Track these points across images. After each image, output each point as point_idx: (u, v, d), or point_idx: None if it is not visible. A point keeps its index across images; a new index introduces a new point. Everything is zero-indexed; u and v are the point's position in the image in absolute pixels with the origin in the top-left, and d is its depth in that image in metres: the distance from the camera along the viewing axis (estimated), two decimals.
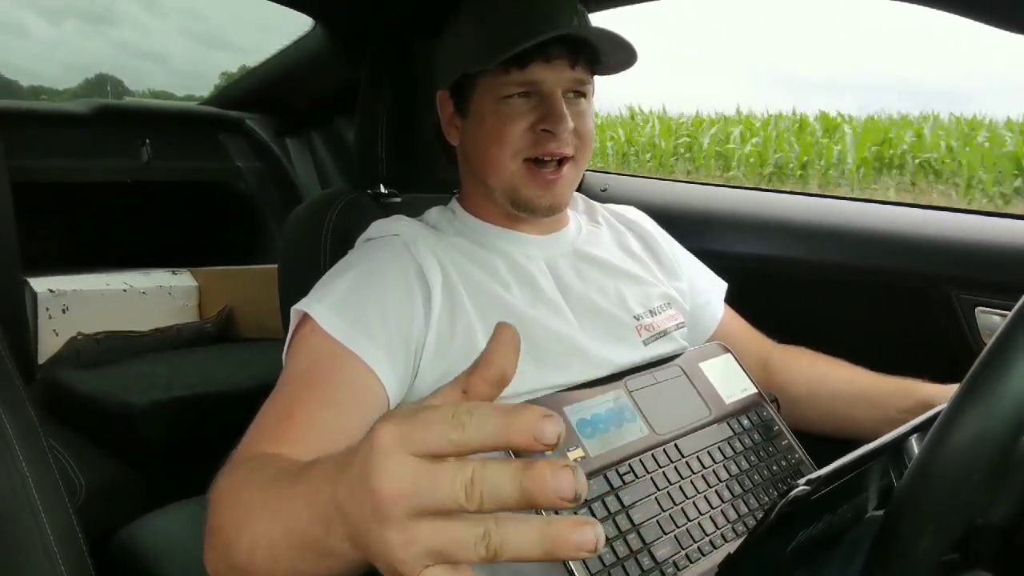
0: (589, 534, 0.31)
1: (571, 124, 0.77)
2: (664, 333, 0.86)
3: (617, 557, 0.61)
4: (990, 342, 0.46)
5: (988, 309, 1.04)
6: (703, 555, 0.66)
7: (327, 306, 0.71)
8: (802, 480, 0.45)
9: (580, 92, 0.80)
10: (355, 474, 0.35)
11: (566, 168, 0.80)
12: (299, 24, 1.54)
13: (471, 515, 0.32)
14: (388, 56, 0.97)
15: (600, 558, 0.60)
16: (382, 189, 1.01)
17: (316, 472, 0.42)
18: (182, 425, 1.28)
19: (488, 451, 0.33)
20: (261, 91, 1.78)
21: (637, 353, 0.82)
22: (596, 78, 0.83)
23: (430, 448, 0.33)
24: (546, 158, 0.78)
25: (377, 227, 0.83)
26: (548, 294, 0.81)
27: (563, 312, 0.80)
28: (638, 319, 0.85)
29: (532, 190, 0.80)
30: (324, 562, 0.41)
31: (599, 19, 0.85)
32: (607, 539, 0.61)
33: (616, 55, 0.79)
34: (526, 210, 0.81)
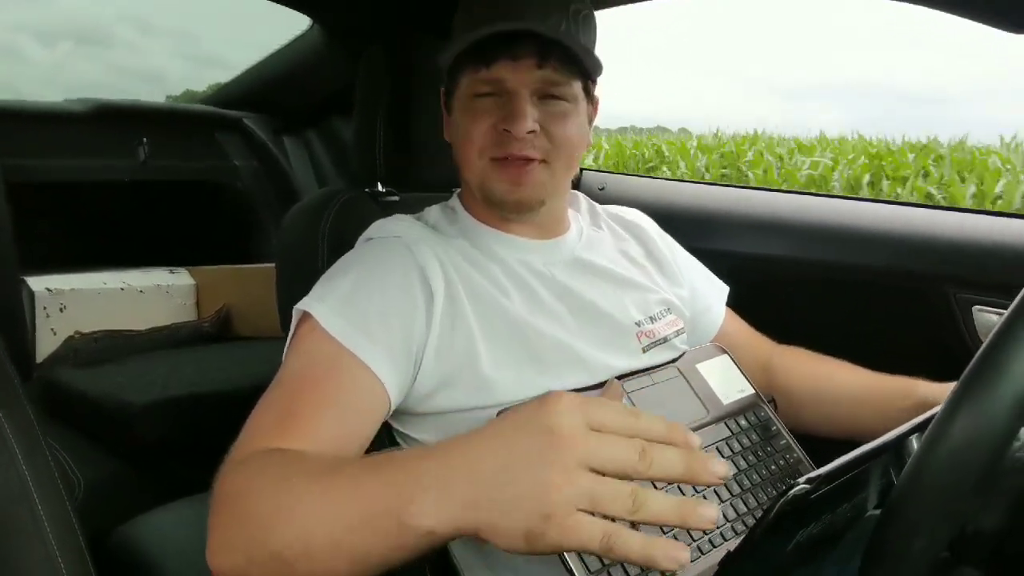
0: (713, 511, 0.40)
1: (531, 125, 0.75)
2: (664, 340, 0.86)
3: None
4: (984, 343, 0.47)
5: (985, 308, 1.05)
6: (702, 554, 0.66)
7: (329, 306, 0.70)
8: (802, 479, 0.45)
9: (555, 95, 0.77)
10: (528, 422, 0.42)
11: (536, 167, 0.78)
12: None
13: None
14: (385, 54, 0.97)
15: (599, 557, 0.60)
16: (379, 188, 1.01)
17: (406, 453, 0.48)
18: (179, 424, 1.28)
19: (648, 438, 0.42)
20: (259, 90, 1.78)
21: (636, 360, 0.82)
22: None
23: (604, 419, 0.41)
24: (509, 159, 0.77)
25: (378, 227, 0.83)
26: (547, 301, 0.80)
27: (563, 319, 0.80)
28: (639, 325, 0.85)
29: (500, 184, 0.78)
30: (399, 540, 0.46)
31: (603, 18, 0.83)
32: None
33: (588, 60, 0.77)
34: (496, 206, 0.81)
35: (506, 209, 0.81)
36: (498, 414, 0.66)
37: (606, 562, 0.60)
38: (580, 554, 0.59)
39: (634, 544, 0.40)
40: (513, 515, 0.41)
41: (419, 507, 0.44)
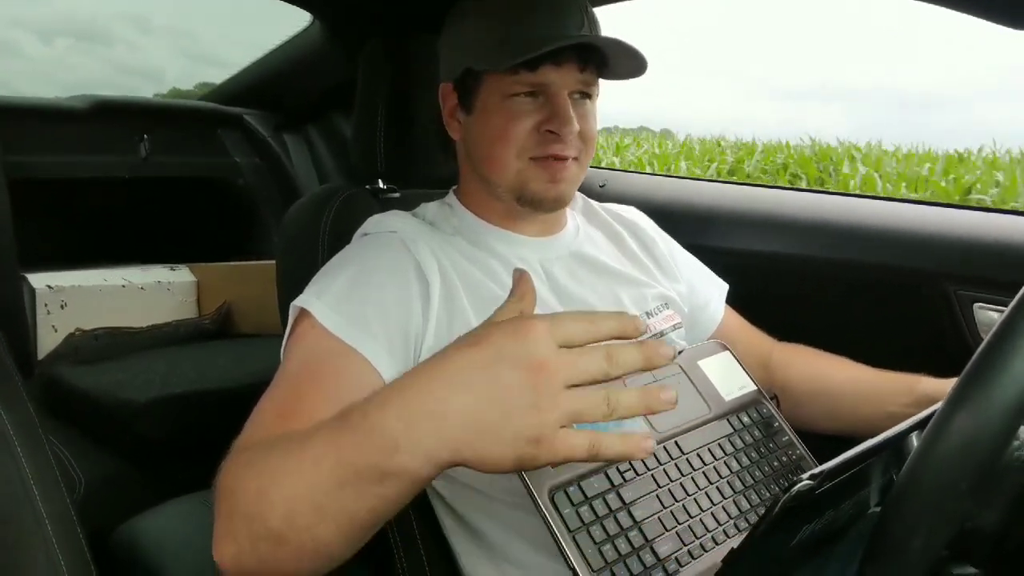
0: (671, 392, 0.46)
1: (577, 126, 0.77)
2: (660, 335, 0.86)
3: (619, 554, 0.61)
4: (983, 342, 0.46)
5: (986, 305, 1.04)
6: (705, 551, 0.66)
7: (326, 302, 0.71)
8: (805, 475, 0.45)
9: (586, 94, 0.80)
10: (507, 354, 0.44)
11: (571, 163, 0.80)
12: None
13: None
14: (386, 51, 0.96)
15: (602, 555, 0.60)
16: (380, 184, 1.00)
17: (366, 405, 0.48)
18: (180, 422, 1.28)
19: (608, 339, 0.47)
20: (260, 87, 1.77)
21: None
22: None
23: (571, 337, 0.45)
24: (548, 158, 0.78)
25: (373, 222, 0.83)
26: (542, 297, 0.81)
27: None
28: None
29: (540, 183, 0.79)
30: (382, 490, 0.46)
31: (600, 14, 0.84)
32: (608, 536, 0.61)
33: (626, 63, 0.79)
34: (531, 204, 0.81)
35: (543, 207, 0.82)
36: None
37: (609, 559, 0.60)
38: (583, 552, 0.59)
39: (615, 446, 0.45)
40: (501, 445, 0.44)
41: (400, 456, 0.45)
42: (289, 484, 0.48)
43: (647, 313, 0.87)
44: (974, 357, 0.46)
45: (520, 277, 0.54)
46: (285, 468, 0.49)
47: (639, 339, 0.47)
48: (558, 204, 0.82)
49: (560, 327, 0.45)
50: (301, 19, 1.50)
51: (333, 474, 0.47)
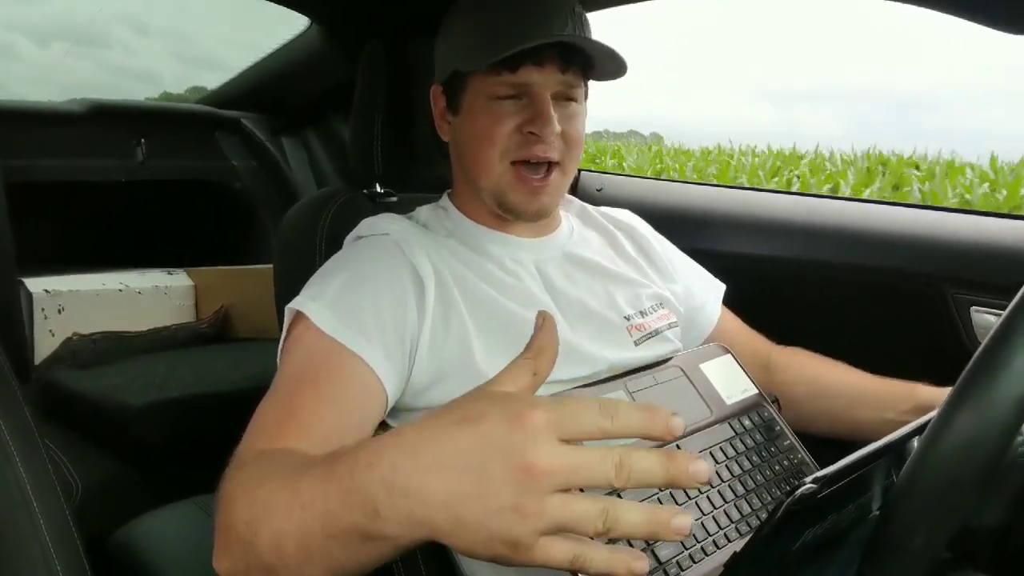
0: (685, 521, 0.38)
1: (557, 127, 0.77)
2: (655, 333, 0.86)
3: None
4: (982, 345, 0.46)
5: (983, 308, 1.05)
6: (706, 555, 0.66)
7: (321, 304, 0.71)
8: (808, 479, 0.45)
9: (570, 96, 0.80)
10: (499, 449, 0.38)
11: (553, 175, 0.80)
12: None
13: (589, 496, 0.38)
14: (384, 54, 0.96)
15: None
16: (378, 188, 1.00)
17: (355, 460, 0.44)
18: (178, 426, 1.27)
19: (627, 438, 0.39)
20: (257, 90, 1.77)
21: (630, 353, 0.82)
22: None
23: (580, 433, 0.39)
24: (532, 161, 0.78)
25: (367, 225, 0.83)
26: (537, 298, 0.81)
27: (553, 314, 0.80)
28: (628, 320, 0.85)
29: (519, 195, 0.80)
30: (366, 549, 0.44)
31: (595, 19, 0.85)
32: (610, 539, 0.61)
33: (608, 63, 0.79)
34: (512, 213, 0.82)
35: (524, 218, 0.82)
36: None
37: None
38: None
39: (599, 562, 0.39)
40: (476, 542, 0.39)
41: (380, 523, 0.42)
42: (278, 521, 0.47)
43: (641, 312, 0.87)
44: (973, 358, 0.46)
45: (542, 325, 0.46)
46: (275, 504, 0.48)
47: (668, 445, 0.40)
48: (539, 216, 0.83)
49: (567, 421, 0.38)
50: (298, 22, 1.50)
51: (320, 523, 0.45)
